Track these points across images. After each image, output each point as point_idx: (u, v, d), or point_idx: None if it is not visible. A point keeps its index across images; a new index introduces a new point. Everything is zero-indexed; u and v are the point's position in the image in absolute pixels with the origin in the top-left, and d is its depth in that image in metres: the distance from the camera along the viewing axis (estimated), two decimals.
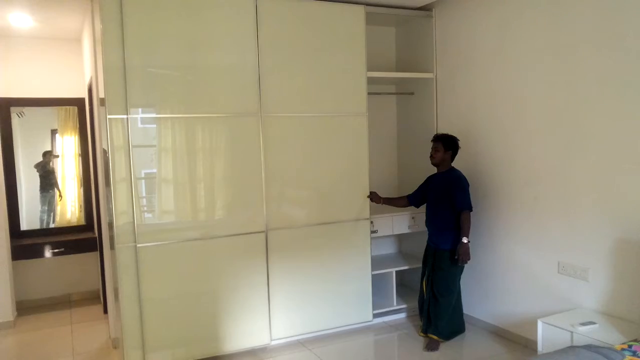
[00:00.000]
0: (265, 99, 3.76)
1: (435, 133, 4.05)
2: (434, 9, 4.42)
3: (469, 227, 3.75)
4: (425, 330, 3.94)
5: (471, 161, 4.14)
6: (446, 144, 3.88)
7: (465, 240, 3.72)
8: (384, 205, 4.22)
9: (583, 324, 3.00)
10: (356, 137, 4.12)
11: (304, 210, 3.99)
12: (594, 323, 3.02)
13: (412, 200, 4.16)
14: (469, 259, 3.75)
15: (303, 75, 3.93)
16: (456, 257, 3.74)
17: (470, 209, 3.79)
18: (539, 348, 3.19)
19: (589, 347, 2.49)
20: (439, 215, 3.90)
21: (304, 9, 3.89)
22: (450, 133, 3.94)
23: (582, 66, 3.27)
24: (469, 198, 3.81)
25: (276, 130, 3.82)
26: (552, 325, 3.11)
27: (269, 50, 3.77)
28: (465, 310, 4.11)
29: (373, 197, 4.17)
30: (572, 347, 2.61)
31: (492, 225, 4.01)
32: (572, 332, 2.97)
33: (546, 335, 3.15)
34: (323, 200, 4.04)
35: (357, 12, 4.06)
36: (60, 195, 5.33)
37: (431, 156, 3.94)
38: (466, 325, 4.07)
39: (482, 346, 3.85)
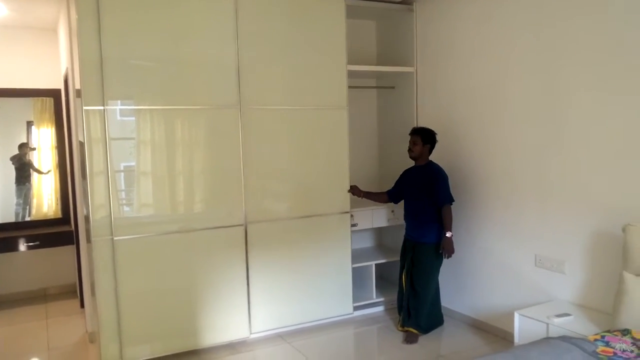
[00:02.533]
0: (245, 91, 3.73)
1: (417, 127, 4.05)
2: (414, 3, 4.43)
3: (451, 221, 3.78)
4: (403, 324, 3.96)
5: (450, 155, 4.16)
6: (424, 138, 3.88)
7: (448, 234, 3.75)
8: (364, 199, 4.22)
9: (558, 316, 3.05)
10: (336, 130, 4.11)
11: (284, 204, 3.97)
12: (569, 315, 3.07)
13: (390, 196, 4.17)
14: (453, 252, 3.78)
15: (283, 68, 3.90)
16: (441, 251, 3.77)
17: (451, 201, 3.82)
18: (516, 339, 3.23)
19: (563, 338, 2.52)
20: (418, 208, 3.91)
21: (284, 1, 3.86)
22: (430, 127, 3.96)
23: (560, 62, 3.30)
24: (449, 191, 3.83)
25: (256, 123, 3.79)
26: (528, 317, 3.15)
27: (249, 42, 3.73)
28: (443, 303, 4.14)
29: (354, 190, 4.17)
30: (546, 339, 2.65)
31: (470, 218, 4.04)
32: (547, 324, 3.02)
33: (523, 327, 3.20)
34: (303, 194, 4.03)
35: (338, 5, 4.04)
36: (38, 171, 5.19)
37: (409, 149, 3.94)
38: (445, 318, 4.11)
39: (460, 338, 3.89)
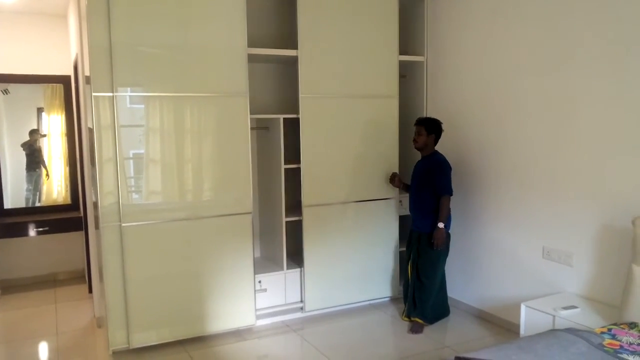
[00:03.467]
0: (304, 80, 3.91)
1: (421, 117, 4.02)
2: None
3: (447, 212, 3.76)
4: (408, 314, 3.96)
5: (460, 145, 4.14)
6: (429, 128, 3.84)
7: (440, 225, 3.72)
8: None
9: (565, 308, 3.04)
10: (387, 118, 4.25)
11: (339, 189, 4.15)
12: (575, 307, 3.06)
13: None
14: (443, 244, 3.76)
15: (338, 57, 4.05)
16: (432, 241, 3.76)
17: (449, 193, 3.78)
18: (522, 331, 3.22)
19: (569, 331, 2.52)
20: (422, 199, 3.89)
21: None
22: (439, 117, 3.93)
23: (574, 53, 3.26)
24: (450, 182, 3.80)
25: (313, 112, 3.97)
26: (535, 309, 3.14)
27: (309, 32, 3.89)
28: (449, 294, 4.14)
29: (394, 180, 4.14)
30: (552, 331, 2.65)
31: (478, 209, 4.03)
32: (554, 316, 3.01)
33: (529, 319, 3.19)
34: (354, 180, 4.19)
35: None
36: (47, 175, 5.27)
37: (414, 140, 3.91)
38: (451, 308, 4.11)
39: (466, 329, 3.89)
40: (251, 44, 3.71)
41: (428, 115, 4.22)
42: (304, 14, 3.86)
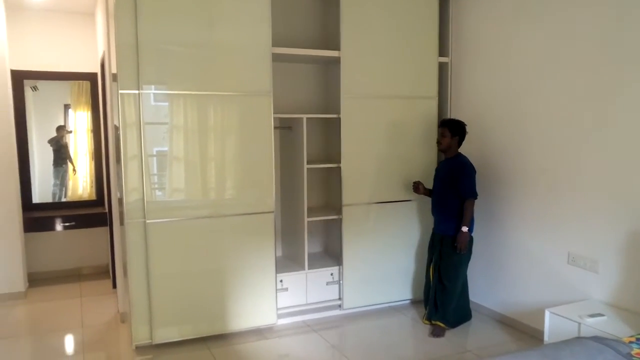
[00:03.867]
0: (345, 81, 3.98)
1: (446, 118, 3.99)
2: None
3: (470, 216, 3.72)
4: (429, 317, 3.93)
5: (485, 147, 4.08)
6: (453, 129, 3.80)
7: (465, 229, 3.69)
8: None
9: (591, 316, 2.98)
10: (428, 119, 4.29)
11: (371, 190, 4.18)
12: (602, 315, 2.99)
13: None
14: (466, 248, 3.73)
15: (379, 58, 4.10)
16: (455, 244, 3.72)
17: (474, 196, 3.73)
18: (546, 338, 3.17)
19: (595, 339, 2.46)
20: (445, 202, 3.85)
21: None
22: (463, 119, 3.88)
23: (604, 52, 3.19)
24: (474, 185, 3.75)
25: (356, 111, 4.04)
26: (560, 315, 3.09)
27: (350, 34, 3.97)
28: (472, 298, 4.10)
29: (417, 187, 4.05)
30: (578, 338, 2.59)
31: (503, 212, 3.97)
32: (579, 324, 2.95)
33: (553, 326, 3.13)
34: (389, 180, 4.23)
35: None
36: (74, 170, 5.36)
37: (438, 142, 3.88)
38: (473, 313, 4.07)
39: (488, 334, 3.84)
40: (276, 43, 3.72)
41: (452, 117, 4.17)
42: (347, 15, 3.92)
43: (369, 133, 4.10)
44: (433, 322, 3.89)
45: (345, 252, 4.10)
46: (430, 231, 4.07)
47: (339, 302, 4.15)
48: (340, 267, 4.10)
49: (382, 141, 4.13)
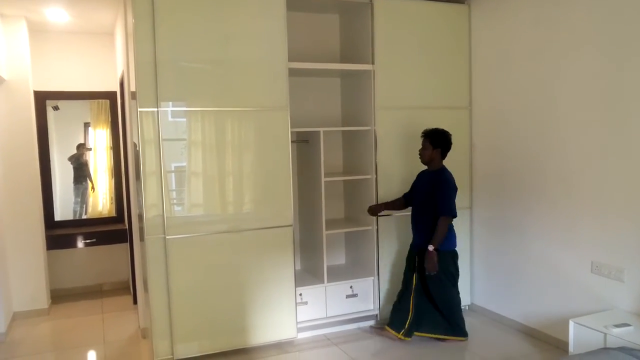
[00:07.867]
0: (379, 92, 4.04)
1: (428, 129, 3.79)
2: (470, 2, 4.33)
3: (443, 234, 3.55)
4: (409, 333, 3.78)
5: (504, 155, 4.06)
6: (434, 141, 3.65)
7: (430, 247, 3.52)
8: (385, 211, 4.02)
9: (617, 326, 2.92)
10: (459, 129, 4.29)
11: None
12: (628, 325, 2.93)
13: (407, 200, 3.93)
14: (435, 270, 3.56)
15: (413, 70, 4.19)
16: (424, 265, 3.58)
17: (450, 214, 3.59)
18: (570, 349, 3.12)
19: (622, 349, 2.42)
20: (425, 216, 3.71)
21: (413, 11, 4.18)
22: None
23: (628, 57, 3.15)
24: (452, 203, 3.61)
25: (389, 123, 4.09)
26: (585, 326, 3.04)
27: (385, 46, 4.05)
28: (495, 309, 4.05)
29: (373, 210, 3.96)
30: (605, 349, 2.55)
31: (523, 222, 3.93)
32: (605, 334, 2.90)
33: (578, 336, 3.08)
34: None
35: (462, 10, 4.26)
36: (92, 188, 5.44)
37: (419, 154, 3.74)
38: (494, 323, 4.03)
39: (512, 345, 3.79)
40: (293, 58, 3.76)
41: (472, 127, 4.13)
42: (380, 30, 4.00)
43: (403, 144, 4.13)
44: (451, 337, 3.80)
45: (382, 263, 4.11)
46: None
47: (375, 313, 4.15)
48: (375, 278, 4.13)
49: (416, 151, 3.97)
